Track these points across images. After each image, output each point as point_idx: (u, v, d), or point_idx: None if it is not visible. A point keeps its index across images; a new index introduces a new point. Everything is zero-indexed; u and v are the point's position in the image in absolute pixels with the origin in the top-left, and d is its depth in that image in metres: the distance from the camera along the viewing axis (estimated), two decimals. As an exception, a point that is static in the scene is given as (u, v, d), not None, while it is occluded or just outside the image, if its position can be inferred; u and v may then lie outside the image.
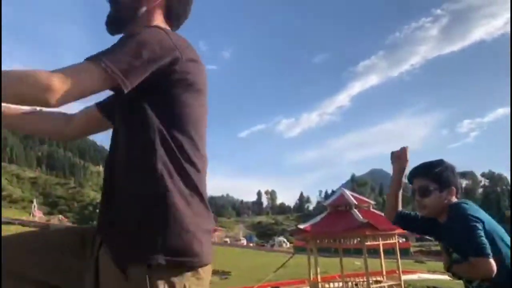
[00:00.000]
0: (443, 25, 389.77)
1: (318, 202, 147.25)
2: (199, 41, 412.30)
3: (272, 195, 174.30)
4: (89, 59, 1.17)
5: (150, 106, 1.28)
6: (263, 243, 79.95)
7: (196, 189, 1.28)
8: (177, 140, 1.28)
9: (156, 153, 1.24)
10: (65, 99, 1.12)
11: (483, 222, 2.01)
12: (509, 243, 2.05)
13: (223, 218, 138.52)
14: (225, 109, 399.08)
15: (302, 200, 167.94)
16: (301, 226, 17.01)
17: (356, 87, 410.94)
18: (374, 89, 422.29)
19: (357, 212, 16.51)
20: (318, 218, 17.66)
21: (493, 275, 1.91)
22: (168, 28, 1.42)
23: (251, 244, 71.28)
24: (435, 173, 2.21)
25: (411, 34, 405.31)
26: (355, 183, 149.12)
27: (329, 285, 16.97)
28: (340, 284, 16.85)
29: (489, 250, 1.92)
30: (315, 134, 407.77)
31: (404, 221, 2.49)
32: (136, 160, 1.25)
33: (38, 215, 78.98)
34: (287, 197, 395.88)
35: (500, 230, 2.08)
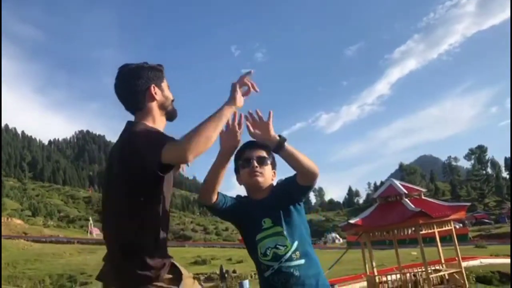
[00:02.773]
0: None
1: (368, 195, 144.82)
2: (231, 46, 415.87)
3: (320, 192, 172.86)
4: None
5: None
6: (315, 241, 79.33)
7: None
8: None
9: None
10: None
11: None
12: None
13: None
14: (262, 111, 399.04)
15: (351, 194, 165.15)
16: (352, 221, 16.79)
17: (395, 74, 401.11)
18: (414, 74, 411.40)
19: (408, 202, 16.15)
20: (368, 211, 17.39)
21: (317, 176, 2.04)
22: None
23: (303, 243, 70.70)
24: (270, 151, 2.19)
25: (446, 13, 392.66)
26: (404, 172, 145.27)
27: (386, 278, 16.61)
28: (398, 276, 16.47)
29: None
30: (358, 127, 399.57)
31: (225, 202, 2.17)
32: None
33: (95, 232, 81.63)
34: (336, 193, 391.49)
35: None
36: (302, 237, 2.12)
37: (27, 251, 49.38)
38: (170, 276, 1.92)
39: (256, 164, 2.15)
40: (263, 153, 2.19)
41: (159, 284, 1.86)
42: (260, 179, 2.16)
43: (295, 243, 2.08)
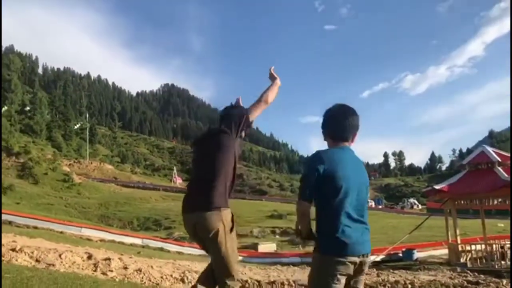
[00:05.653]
0: None
1: (452, 162, 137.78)
2: (314, 1, 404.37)
3: (400, 156, 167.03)
4: None
5: None
6: (393, 205, 77.77)
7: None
8: None
9: None
10: None
11: (321, 170, 2.33)
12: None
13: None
14: (344, 70, 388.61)
15: (434, 160, 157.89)
16: (437, 187, 16.22)
17: (491, 34, 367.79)
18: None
19: (501, 170, 15.23)
20: (455, 178, 16.67)
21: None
22: None
23: (380, 207, 69.72)
24: (322, 129, 2.76)
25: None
26: (494, 139, 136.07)
27: (470, 247, 16.01)
28: (483, 246, 15.80)
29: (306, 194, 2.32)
30: (445, 89, 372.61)
31: None
32: None
33: (178, 181, 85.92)
34: (417, 158, 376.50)
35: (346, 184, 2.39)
36: None
37: (118, 194, 53.46)
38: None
39: None
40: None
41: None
42: None
43: None
